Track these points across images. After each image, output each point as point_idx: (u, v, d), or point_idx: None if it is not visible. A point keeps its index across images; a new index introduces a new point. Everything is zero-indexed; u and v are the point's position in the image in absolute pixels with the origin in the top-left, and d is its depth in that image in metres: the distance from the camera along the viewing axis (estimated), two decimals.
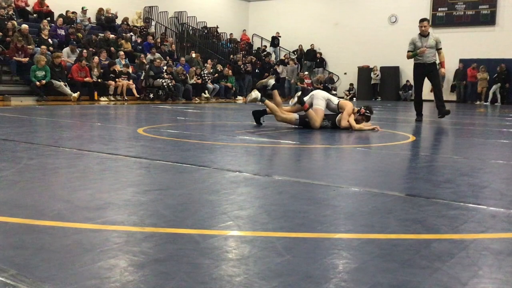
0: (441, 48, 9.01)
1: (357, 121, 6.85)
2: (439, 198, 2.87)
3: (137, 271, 1.69)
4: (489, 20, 19.87)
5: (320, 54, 23.43)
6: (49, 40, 14.35)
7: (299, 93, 6.68)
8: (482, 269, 1.78)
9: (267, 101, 7.00)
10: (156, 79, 15.04)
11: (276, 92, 7.04)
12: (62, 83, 12.93)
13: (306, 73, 22.11)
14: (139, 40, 17.63)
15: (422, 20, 8.98)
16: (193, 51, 19.08)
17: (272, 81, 6.95)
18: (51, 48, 13.92)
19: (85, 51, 14.12)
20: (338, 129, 6.84)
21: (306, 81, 21.30)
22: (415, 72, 9.19)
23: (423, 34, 8.90)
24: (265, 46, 23.39)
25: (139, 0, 19.94)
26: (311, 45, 23.66)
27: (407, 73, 21.88)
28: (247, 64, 19.80)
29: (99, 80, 13.97)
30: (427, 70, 9.00)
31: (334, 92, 22.54)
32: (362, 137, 6.32)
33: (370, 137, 6.37)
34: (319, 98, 6.84)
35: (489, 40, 19.15)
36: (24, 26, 13.65)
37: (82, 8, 17.11)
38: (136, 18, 19.52)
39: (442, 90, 9.91)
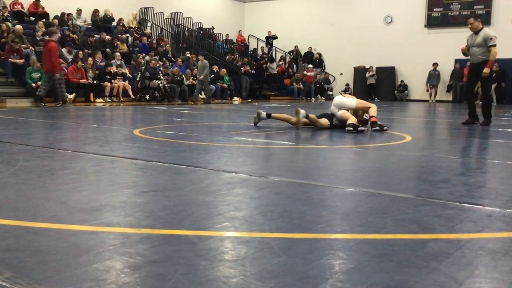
0: (492, 46, 8.14)
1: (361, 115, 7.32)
2: (435, 198, 2.88)
3: (133, 273, 1.69)
4: (484, 20, 19.90)
5: (320, 55, 23.42)
6: None
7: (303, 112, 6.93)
8: (478, 269, 1.78)
9: (274, 115, 7.32)
10: (152, 80, 15.03)
11: (274, 115, 7.33)
12: None
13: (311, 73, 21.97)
14: (135, 42, 17.58)
15: (468, 17, 8.61)
16: (188, 52, 19.04)
17: (263, 114, 7.23)
18: None
19: (81, 52, 14.08)
20: (336, 130, 6.94)
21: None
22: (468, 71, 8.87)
23: (473, 31, 8.29)
24: (270, 51, 23.27)
25: (135, 1, 19.90)
26: (309, 48, 23.66)
27: (403, 73, 21.98)
28: (245, 65, 19.75)
29: (95, 82, 13.95)
30: (476, 70, 8.35)
31: (330, 93, 22.57)
32: (359, 137, 6.33)
33: (366, 137, 6.38)
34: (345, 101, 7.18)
35: None
36: (18, 26, 13.60)
37: (77, 9, 17.06)
38: (132, 19, 19.49)
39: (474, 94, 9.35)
